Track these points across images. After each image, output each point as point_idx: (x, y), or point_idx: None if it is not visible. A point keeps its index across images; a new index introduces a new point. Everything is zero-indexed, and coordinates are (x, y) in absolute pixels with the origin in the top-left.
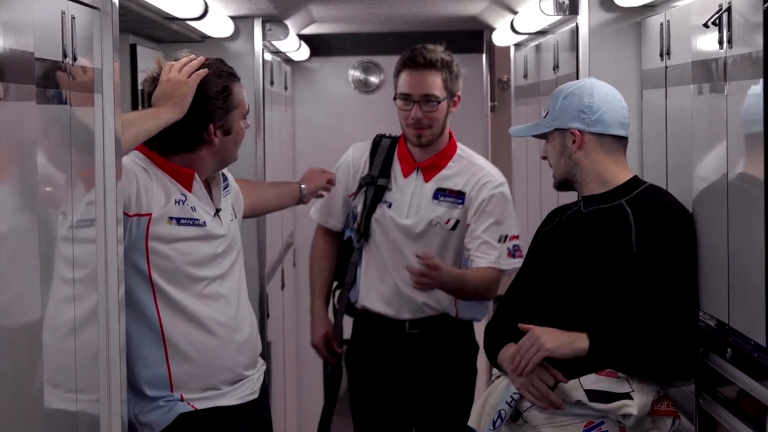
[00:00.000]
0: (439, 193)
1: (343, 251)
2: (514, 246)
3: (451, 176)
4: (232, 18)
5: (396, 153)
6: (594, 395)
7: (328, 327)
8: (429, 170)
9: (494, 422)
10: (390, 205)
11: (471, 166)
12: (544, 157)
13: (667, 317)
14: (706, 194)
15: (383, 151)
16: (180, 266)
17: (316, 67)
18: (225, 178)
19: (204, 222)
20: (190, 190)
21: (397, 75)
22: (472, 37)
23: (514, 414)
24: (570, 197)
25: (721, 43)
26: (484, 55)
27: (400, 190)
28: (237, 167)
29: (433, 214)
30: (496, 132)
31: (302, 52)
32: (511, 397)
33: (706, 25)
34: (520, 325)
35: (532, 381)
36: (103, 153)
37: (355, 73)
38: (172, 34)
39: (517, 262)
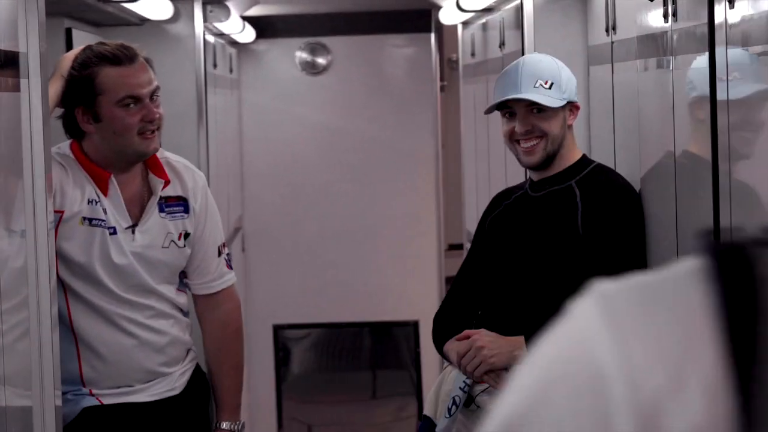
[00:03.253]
0: None
1: None
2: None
3: None
4: (172, 0)
5: None
6: None
7: None
8: None
9: (449, 409)
10: None
11: None
12: (529, 131)
13: None
14: (653, 172)
15: None
16: (91, 270)
17: (262, 49)
18: (185, 207)
19: (114, 230)
20: (105, 194)
21: None
22: (420, 16)
23: (467, 399)
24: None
25: (666, 16)
26: (432, 35)
27: None
28: (177, 153)
29: None
30: (447, 112)
31: (247, 34)
32: (464, 382)
33: None
34: (456, 337)
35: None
36: (31, 143)
37: (302, 55)
38: (109, 17)
39: None
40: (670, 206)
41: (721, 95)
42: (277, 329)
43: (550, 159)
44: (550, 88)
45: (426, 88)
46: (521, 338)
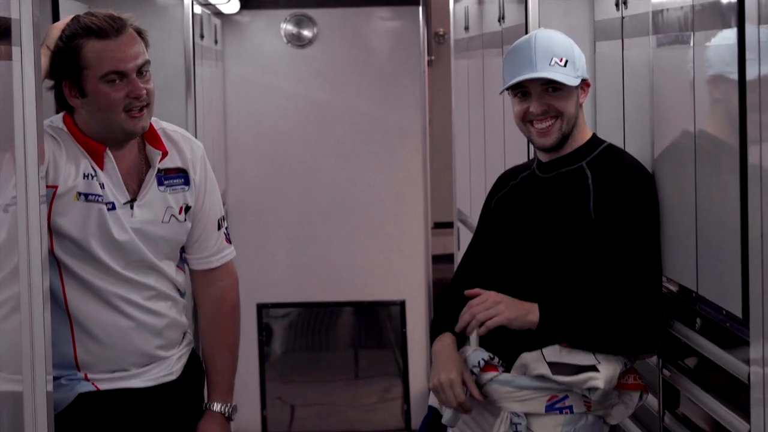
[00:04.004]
0: None
1: None
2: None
3: None
4: None
5: None
6: (557, 368)
7: None
8: None
9: None
10: None
11: None
12: (545, 111)
13: (627, 284)
14: (669, 153)
15: None
16: (87, 247)
17: (246, 21)
18: (186, 179)
19: (112, 205)
20: (101, 167)
21: None
22: None
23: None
24: (516, 159)
25: None
26: (420, 8)
27: None
28: None
29: None
30: (434, 87)
31: (233, 5)
32: (472, 371)
33: None
34: (467, 291)
35: (444, 390)
36: (24, 113)
37: (288, 27)
38: None
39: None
40: (689, 190)
41: (750, 74)
42: (261, 308)
43: (564, 139)
44: (565, 65)
45: (413, 62)
46: (535, 305)
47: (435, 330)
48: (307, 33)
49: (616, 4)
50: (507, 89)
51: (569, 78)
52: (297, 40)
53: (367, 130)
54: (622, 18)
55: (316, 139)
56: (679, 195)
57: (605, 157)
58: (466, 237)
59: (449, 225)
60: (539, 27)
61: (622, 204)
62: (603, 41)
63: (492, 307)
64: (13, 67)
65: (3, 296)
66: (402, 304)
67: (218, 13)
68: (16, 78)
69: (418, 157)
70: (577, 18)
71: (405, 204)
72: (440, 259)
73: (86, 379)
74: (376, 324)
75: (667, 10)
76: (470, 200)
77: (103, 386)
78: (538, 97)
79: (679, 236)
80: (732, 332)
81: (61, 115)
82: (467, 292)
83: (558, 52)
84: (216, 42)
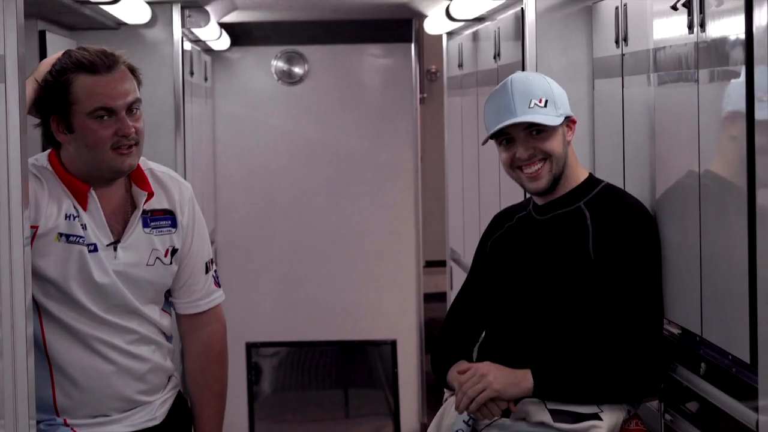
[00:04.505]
0: None
1: None
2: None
3: None
4: (149, 3)
5: None
6: (559, 415)
7: None
8: None
9: None
10: None
11: None
12: (532, 155)
13: (628, 327)
14: (672, 193)
15: None
16: (67, 290)
17: (236, 57)
18: (172, 221)
19: (94, 246)
20: (84, 208)
21: None
22: (399, 25)
23: None
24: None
25: (691, 27)
26: (412, 45)
27: None
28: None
29: None
30: (426, 125)
31: (223, 41)
32: (469, 415)
33: (674, 8)
34: (456, 369)
35: (481, 411)
36: (7, 151)
37: (278, 64)
38: (84, 20)
39: None
40: (694, 231)
41: (760, 115)
42: (250, 347)
43: (556, 181)
44: (545, 106)
45: (405, 99)
46: (528, 371)
47: (441, 367)
48: (298, 70)
49: (616, 41)
50: (491, 138)
51: (550, 118)
52: (288, 77)
53: (358, 168)
54: (623, 55)
55: (306, 177)
56: (683, 236)
57: (604, 196)
58: (459, 276)
59: (441, 264)
60: (536, 64)
61: (622, 244)
62: (602, 78)
63: (480, 381)
64: None
65: None
66: (393, 344)
67: (208, 50)
68: (0, 116)
69: (410, 195)
70: (576, 55)
71: (396, 242)
72: (432, 298)
73: (65, 424)
74: (367, 363)
75: (670, 47)
76: (464, 240)
77: (82, 431)
78: (523, 141)
79: (682, 278)
80: (738, 378)
81: (46, 153)
82: (458, 369)
83: (536, 93)
84: (206, 79)
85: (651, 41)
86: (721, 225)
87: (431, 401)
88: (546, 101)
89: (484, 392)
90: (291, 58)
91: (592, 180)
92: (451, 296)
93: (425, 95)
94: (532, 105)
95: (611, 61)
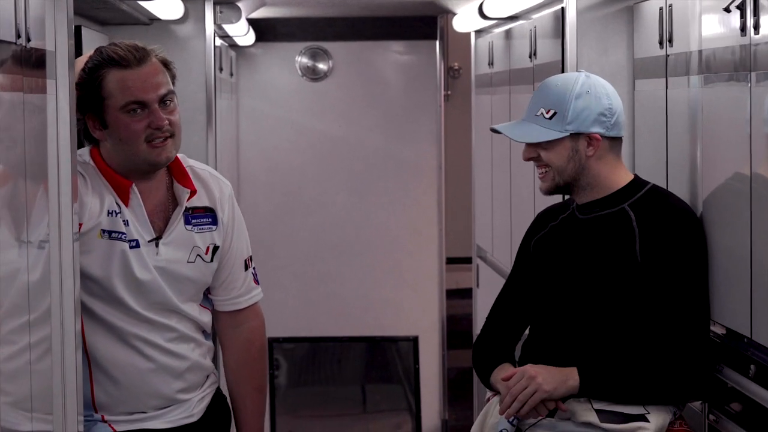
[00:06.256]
0: None
1: None
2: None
3: None
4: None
5: None
6: (605, 416)
7: None
8: None
9: None
10: None
11: None
12: (530, 159)
13: (677, 329)
14: (720, 195)
15: None
16: (109, 287)
17: (260, 53)
18: (213, 218)
19: (136, 242)
20: (126, 204)
21: None
22: (424, 23)
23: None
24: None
25: (743, 29)
26: (437, 42)
27: None
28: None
29: None
30: (449, 122)
31: (248, 38)
32: (514, 415)
33: (727, 10)
34: (501, 376)
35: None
36: (57, 148)
37: (303, 60)
38: (118, 15)
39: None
40: (744, 233)
41: None
42: (272, 342)
43: (561, 189)
44: (551, 118)
45: (428, 97)
46: (574, 369)
47: (484, 366)
48: (322, 66)
49: (660, 42)
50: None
51: (543, 132)
52: (312, 74)
53: (381, 165)
54: (667, 56)
55: (329, 174)
56: (732, 238)
57: (650, 198)
58: (485, 273)
59: (463, 260)
60: (576, 64)
61: (671, 246)
62: (643, 79)
63: (529, 384)
64: (48, 101)
65: (36, 337)
66: (415, 340)
67: (233, 46)
68: (51, 112)
69: (433, 192)
70: (616, 55)
71: (418, 239)
72: (453, 295)
73: (103, 420)
74: (388, 359)
75: (720, 48)
76: (492, 237)
77: (120, 428)
78: (526, 145)
79: (730, 280)
80: None
81: (87, 148)
82: (502, 376)
83: (548, 102)
84: (231, 75)
85: (697, 42)
86: None
87: (452, 398)
88: (554, 113)
89: (535, 394)
90: (315, 55)
91: (637, 182)
92: (477, 293)
93: (449, 93)
94: (538, 113)
95: (654, 61)
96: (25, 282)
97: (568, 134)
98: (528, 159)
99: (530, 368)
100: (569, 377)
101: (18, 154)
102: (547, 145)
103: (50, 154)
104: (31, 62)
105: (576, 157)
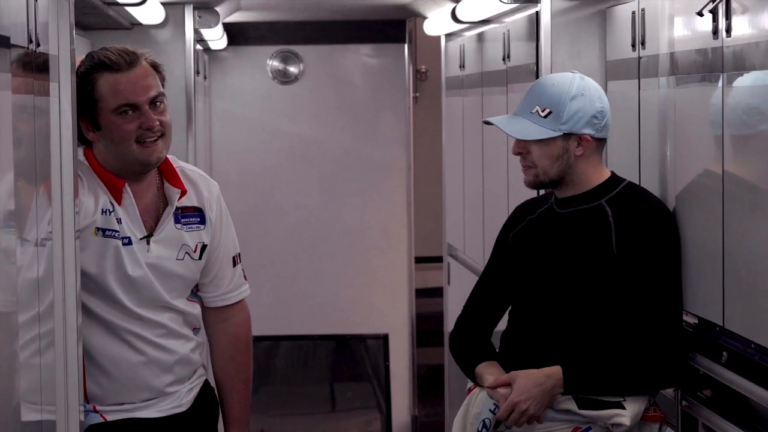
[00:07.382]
0: None
1: None
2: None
3: None
4: (162, 4)
5: None
6: (584, 402)
7: None
8: None
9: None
10: None
11: None
12: (519, 154)
13: (651, 321)
14: (692, 191)
15: None
16: (103, 283)
17: (232, 56)
18: (202, 218)
19: (128, 240)
20: (119, 203)
21: None
22: (392, 26)
23: (497, 421)
24: (519, 193)
25: (715, 32)
26: (405, 46)
27: None
28: None
29: None
30: (418, 123)
31: (222, 41)
32: (494, 404)
33: (700, 14)
34: (490, 383)
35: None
36: (60, 149)
37: (274, 63)
38: (101, 20)
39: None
40: (716, 227)
41: None
42: None
43: (544, 185)
44: (546, 116)
45: (398, 98)
46: (557, 369)
47: (461, 353)
48: (293, 69)
49: (632, 44)
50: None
51: (538, 129)
52: (283, 77)
53: (351, 166)
54: (639, 58)
55: (301, 175)
56: (704, 232)
57: (626, 195)
58: (456, 271)
59: (431, 260)
60: (551, 66)
61: (646, 241)
62: (615, 80)
63: (520, 416)
64: (51, 103)
65: (42, 330)
66: (385, 338)
67: (206, 49)
68: (54, 114)
69: (402, 192)
70: (589, 57)
71: (388, 239)
72: (423, 294)
73: (95, 410)
74: (358, 357)
75: (693, 50)
76: (464, 235)
77: (110, 417)
78: (516, 139)
79: (703, 272)
80: (761, 365)
81: (81, 149)
82: (489, 383)
83: (544, 101)
84: (204, 78)
85: (668, 45)
86: (746, 223)
87: (422, 395)
88: (549, 113)
89: (521, 419)
90: (286, 58)
91: (614, 179)
92: (448, 290)
93: (418, 95)
94: (533, 110)
95: (626, 63)
96: (30, 278)
97: (561, 134)
98: (517, 153)
99: (516, 394)
100: (554, 386)
101: (28, 154)
102: (539, 142)
103: (53, 154)
104: (39, 66)
105: (565, 155)
